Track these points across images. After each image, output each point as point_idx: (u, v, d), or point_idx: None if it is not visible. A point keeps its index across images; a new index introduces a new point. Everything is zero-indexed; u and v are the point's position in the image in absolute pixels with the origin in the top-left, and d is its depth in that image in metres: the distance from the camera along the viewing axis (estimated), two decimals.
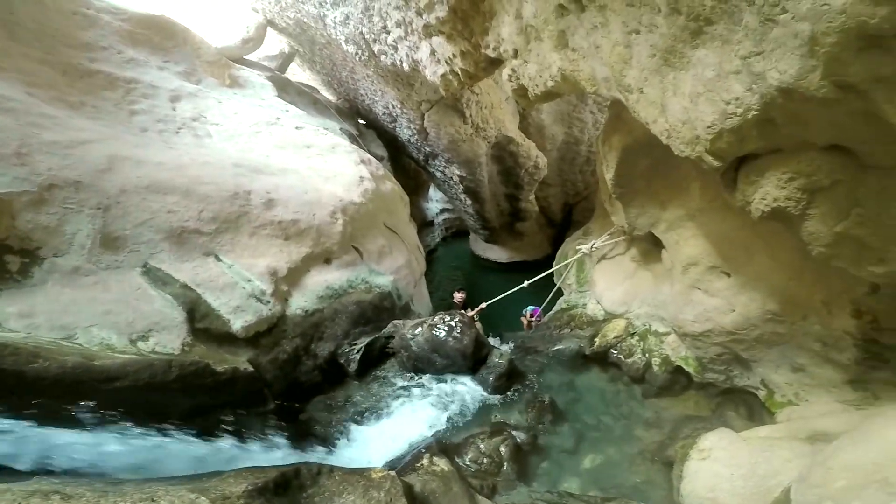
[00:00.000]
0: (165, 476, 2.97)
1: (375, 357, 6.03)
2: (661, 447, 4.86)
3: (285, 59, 11.48)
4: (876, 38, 2.10)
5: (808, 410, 4.59)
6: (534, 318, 8.36)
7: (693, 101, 3.05)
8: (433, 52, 6.28)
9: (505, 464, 4.64)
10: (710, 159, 3.25)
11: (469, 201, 11.88)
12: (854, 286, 3.76)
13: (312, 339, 5.45)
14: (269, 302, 5.02)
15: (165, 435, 3.65)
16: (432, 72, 6.51)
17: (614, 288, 6.97)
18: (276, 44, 11.32)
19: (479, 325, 7.54)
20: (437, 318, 5.92)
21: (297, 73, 12.93)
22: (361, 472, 3.30)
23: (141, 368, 3.59)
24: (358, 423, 5.22)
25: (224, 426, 4.09)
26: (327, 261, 6.01)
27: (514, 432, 5.04)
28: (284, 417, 4.96)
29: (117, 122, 5.76)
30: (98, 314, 3.86)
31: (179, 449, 3.66)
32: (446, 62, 6.18)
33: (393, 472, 3.39)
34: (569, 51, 4.27)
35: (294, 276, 5.52)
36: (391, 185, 8.24)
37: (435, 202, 15.44)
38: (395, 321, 6.14)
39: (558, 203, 13.65)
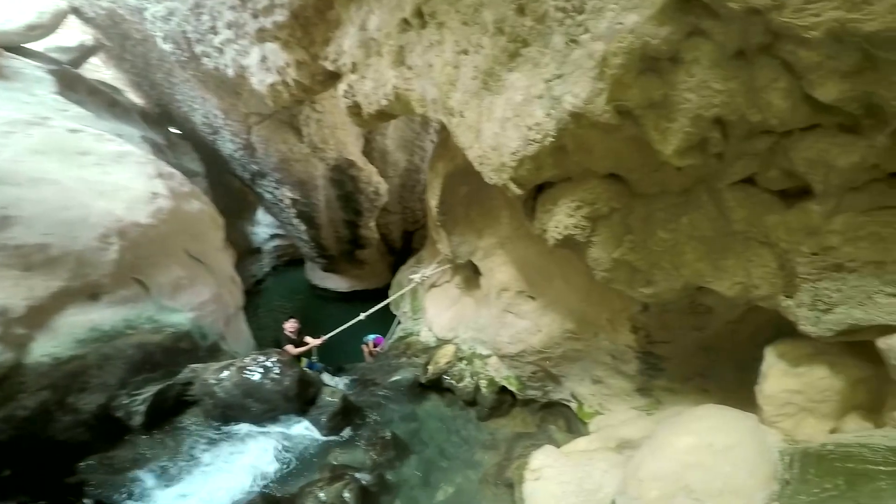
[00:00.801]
0: None
1: (170, 407, 5.03)
2: (500, 469, 4.83)
3: (84, 53, 9.60)
4: (653, 61, 2.22)
5: (612, 419, 4.95)
6: (377, 348, 7.95)
7: (503, 126, 3.09)
8: (264, 59, 5.64)
9: None
10: (513, 187, 3.31)
11: (303, 227, 10.99)
12: (629, 305, 4.15)
13: (69, 390, 4.38)
14: None
15: None
16: (260, 80, 5.83)
17: (443, 314, 6.97)
18: (76, 35, 9.38)
19: (315, 358, 6.90)
20: (248, 360, 5.14)
21: (101, 71, 10.83)
22: None
23: None
24: (158, 481, 4.34)
25: None
26: (93, 296, 4.80)
27: (357, 474, 4.57)
28: (40, 484, 3.98)
29: None
30: None
31: None
32: (278, 71, 5.59)
33: None
34: (404, 68, 4.15)
35: (38, 315, 4.31)
36: (199, 206, 7.00)
37: (264, 227, 13.70)
38: (195, 365, 5.15)
39: (398, 230, 13.50)
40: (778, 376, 3.14)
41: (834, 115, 2.10)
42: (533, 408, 5.78)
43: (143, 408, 4.67)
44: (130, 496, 4.17)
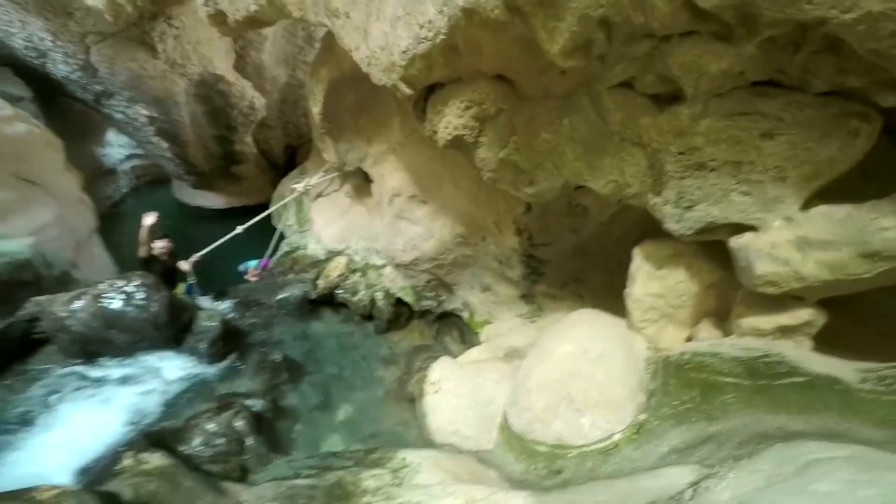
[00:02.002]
0: None
1: (15, 348, 4.23)
2: (401, 384, 4.76)
3: None
4: None
5: (500, 327, 5.10)
6: (264, 271, 7.34)
7: (393, 25, 2.92)
8: None
9: (247, 438, 3.75)
10: (403, 87, 3.17)
11: (165, 144, 9.76)
12: (514, 207, 4.24)
13: None
14: None
15: None
16: None
17: (332, 225, 6.62)
18: None
19: (192, 279, 6.12)
20: (104, 286, 4.39)
21: None
22: (23, 494, 2.22)
23: None
24: (9, 434, 3.65)
25: None
26: None
27: (247, 402, 4.16)
28: None
29: None
30: None
31: None
32: None
33: (75, 487, 2.35)
34: None
35: None
36: (25, 127, 5.83)
37: (117, 147, 11.87)
38: (38, 298, 4.34)
39: (280, 145, 12.52)
40: (644, 279, 3.23)
41: (711, 23, 2.13)
42: (429, 319, 5.80)
43: None
44: None
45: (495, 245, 4.73)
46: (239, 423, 3.83)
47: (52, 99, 9.37)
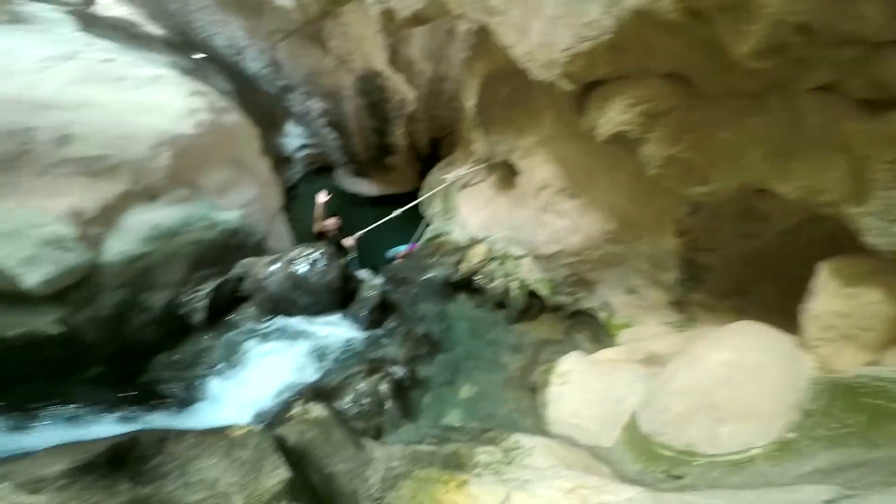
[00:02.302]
0: None
1: (225, 303, 5.18)
2: (524, 373, 4.86)
3: None
4: None
5: (642, 332, 4.85)
6: (410, 254, 8.03)
7: (552, 23, 2.99)
8: None
9: (387, 402, 4.23)
10: (563, 83, 3.23)
11: (333, 135, 10.96)
12: (678, 206, 3.97)
13: (141, 288, 4.51)
14: (74, 249, 3.98)
15: None
16: None
17: (476, 214, 6.86)
18: None
19: (354, 255, 6.89)
20: (295, 252, 5.21)
21: (111, 8, 10.31)
22: (220, 432, 2.74)
23: None
24: (216, 377, 4.52)
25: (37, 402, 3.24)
26: (152, 198, 4.91)
27: (392, 368, 4.65)
28: (119, 383, 4.14)
29: None
30: None
31: None
32: None
33: (258, 427, 2.87)
34: None
35: (108, 215, 4.45)
36: (236, 117, 7.04)
37: (294, 137, 13.81)
38: (246, 260, 5.32)
39: (426, 137, 13.21)
40: (828, 296, 2.90)
41: None
42: (560, 315, 5.73)
43: (203, 303, 4.84)
44: (195, 392, 4.38)
45: (650, 245, 4.49)
46: (383, 387, 4.33)
47: (247, 94, 11.04)
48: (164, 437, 2.52)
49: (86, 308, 4.01)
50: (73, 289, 3.94)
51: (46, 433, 3.35)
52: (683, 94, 2.98)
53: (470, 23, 4.20)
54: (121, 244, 4.43)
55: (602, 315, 5.35)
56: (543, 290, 5.71)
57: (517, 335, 5.58)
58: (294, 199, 12.47)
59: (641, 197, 4.30)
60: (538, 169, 5.32)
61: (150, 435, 2.48)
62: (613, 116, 3.23)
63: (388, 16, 4.87)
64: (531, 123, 5.42)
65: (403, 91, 10.58)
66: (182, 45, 10.04)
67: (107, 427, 3.47)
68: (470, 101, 5.75)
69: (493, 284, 6.04)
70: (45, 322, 3.63)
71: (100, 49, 6.33)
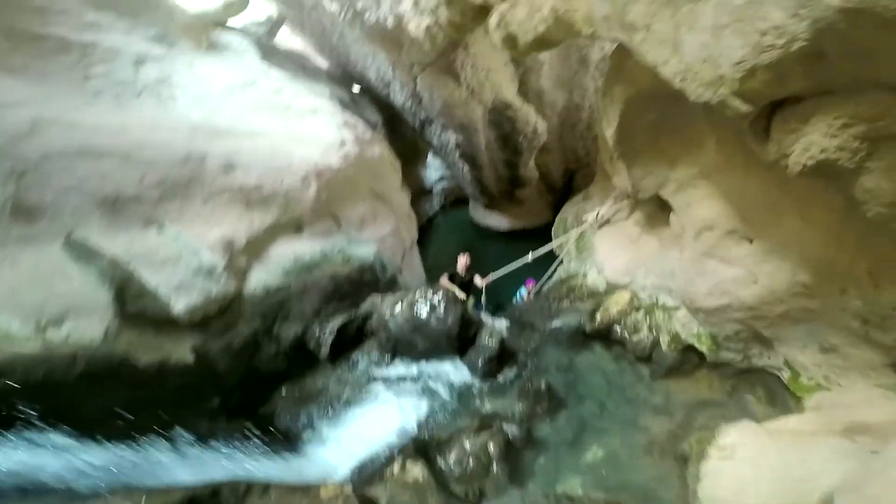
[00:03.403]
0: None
1: (351, 338, 5.20)
2: (672, 439, 4.11)
3: (274, 25, 10.28)
4: None
5: (843, 397, 3.78)
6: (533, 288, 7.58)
7: (716, 34, 2.39)
8: (416, 3, 5.45)
9: (493, 464, 3.85)
10: (737, 103, 2.53)
11: (466, 168, 10.97)
12: None
13: (276, 319, 4.67)
14: (221, 278, 4.23)
15: (81, 439, 2.91)
16: (416, 25, 5.66)
17: (617, 256, 6.04)
18: (264, 9, 10.07)
19: (483, 298, 6.85)
20: (417, 294, 5.07)
21: (289, 40, 11.83)
22: (308, 490, 2.57)
23: (34, 363, 2.83)
24: (328, 417, 4.48)
25: (157, 428, 3.31)
26: (298, 229, 5.20)
27: (505, 425, 4.25)
28: (240, 412, 4.25)
29: (67, 86, 4.93)
30: (1, 296, 3.09)
31: (98, 456, 2.91)
32: (430, 12, 5.38)
33: (348, 487, 2.63)
34: None
35: (256, 246, 4.74)
36: (380, 150, 7.37)
37: (433, 170, 14.31)
38: (374, 297, 5.32)
39: (559, 169, 12.62)
40: None
41: None
42: (725, 372, 4.70)
43: (329, 338, 4.86)
44: (308, 430, 4.33)
45: (862, 301, 3.36)
46: (492, 447, 3.93)
47: (394, 126, 11.65)
48: (248, 490, 2.38)
49: (222, 337, 4.17)
50: (214, 318, 4.08)
51: (147, 462, 3.22)
52: None
53: (605, 42, 3.60)
54: (264, 275, 4.67)
55: (784, 374, 4.29)
56: (703, 346, 4.72)
57: (664, 394, 4.78)
58: (431, 231, 12.91)
59: (851, 241, 3.26)
60: (698, 206, 4.40)
61: (234, 486, 2.36)
62: (816, 141, 2.46)
63: (510, 42, 4.50)
64: (688, 151, 4.55)
65: (534, 122, 10.18)
66: (342, 77, 10.95)
67: (208, 461, 3.34)
68: (609, 129, 5.04)
69: (637, 336, 5.22)
70: (183, 350, 3.79)
71: (274, 79, 7.17)
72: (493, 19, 4.51)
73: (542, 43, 4.20)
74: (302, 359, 4.90)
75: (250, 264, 4.62)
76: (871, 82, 2.19)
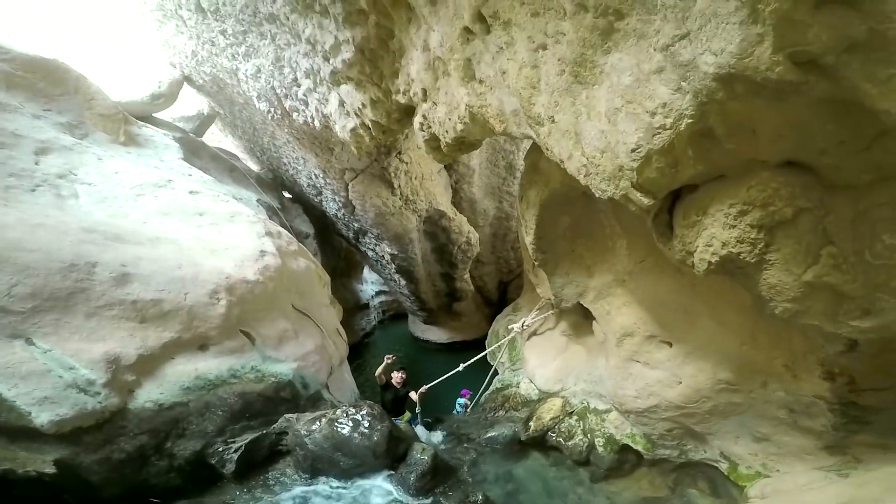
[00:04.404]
0: None
1: (264, 457, 4.60)
2: None
3: (204, 121, 10.18)
4: None
5: (785, 482, 3.69)
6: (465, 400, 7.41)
7: (611, 119, 2.33)
8: (342, 104, 5.54)
9: None
10: (637, 196, 2.46)
11: (403, 282, 10.81)
12: (824, 346, 2.91)
13: (168, 436, 4.10)
14: (98, 393, 3.73)
15: None
16: (342, 126, 5.74)
17: (547, 365, 6.03)
18: (195, 104, 10.03)
19: (419, 413, 6.62)
20: (339, 412, 4.61)
21: (219, 137, 11.65)
22: None
23: None
24: None
25: None
26: (202, 347, 4.66)
27: None
28: None
29: None
30: None
31: None
32: (356, 113, 5.44)
33: None
34: (476, 83, 3.61)
35: (147, 363, 4.17)
36: (305, 263, 6.98)
37: (370, 284, 14.18)
38: (289, 415, 4.74)
39: (493, 281, 12.87)
40: None
41: None
42: (664, 468, 4.60)
43: (235, 456, 4.31)
44: None
45: (784, 391, 3.41)
46: None
47: (327, 237, 11.43)
48: None
49: (98, 451, 3.70)
50: (88, 431, 3.68)
51: None
52: (813, 188, 2.14)
53: (516, 139, 3.80)
54: (155, 392, 4.10)
55: (723, 465, 4.16)
56: (639, 445, 4.61)
57: (606, 496, 4.65)
58: (369, 346, 12.41)
59: (763, 338, 3.36)
60: (617, 313, 4.51)
61: None
62: (717, 234, 2.38)
63: (432, 144, 4.63)
64: (603, 257, 4.77)
65: (467, 232, 10.40)
66: (274, 183, 10.87)
67: None
68: (528, 236, 5.14)
69: (572, 441, 5.06)
70: (42, 461, 3.35)
71: (195, 181, 6.77)
72: (417, 121, 4.65)
73: (462, 143, 4.29)
74: (204, 476, 4.25)
75: (140, 381, 4.04)
76: (758, 162, 2.17)
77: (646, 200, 2.46)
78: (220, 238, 5.74)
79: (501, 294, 13.06)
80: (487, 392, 7.17)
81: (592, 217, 4.58)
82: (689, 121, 1.98)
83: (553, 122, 2.81)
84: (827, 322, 2.36)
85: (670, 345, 4.01)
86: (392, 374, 6.61)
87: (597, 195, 2.72)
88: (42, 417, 3.42)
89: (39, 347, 3.65)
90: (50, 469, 3.35)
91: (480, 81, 3.52)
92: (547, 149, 3.05)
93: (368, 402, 4.88)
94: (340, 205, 9.39)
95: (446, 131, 4.24)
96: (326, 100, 5.77)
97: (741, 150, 2.11)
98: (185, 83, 8.72)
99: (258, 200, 8.22)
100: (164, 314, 4.46)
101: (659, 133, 2.09)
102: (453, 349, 11.62)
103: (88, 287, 4.10)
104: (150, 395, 4.05)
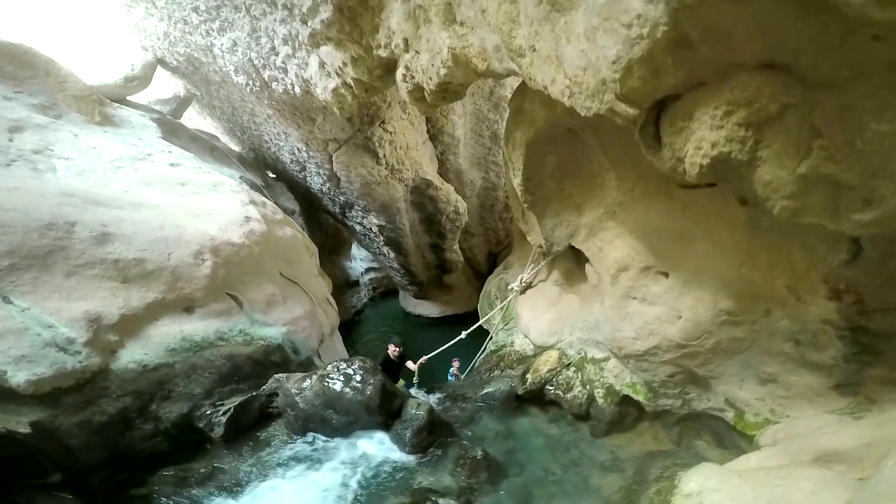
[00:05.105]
0: None
1: (254, 419, 4.49)
2: (629, 495, 3.73)
3: (181, 104, 9.87)
4: None
5: (797, 428, 3.56)
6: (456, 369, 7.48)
7: (590, 38, 2.35)
8: (322, 65, 5.36)
9: None
10: (623, 108, 2.46)
11: (392, 254, 10.67)
12: (826, 256, 2.81)
13: (153, 398, 3.98)
14: (79, 352, 3.61)
15: None
16: (323, 87, 5.54)
17: (540, 317, 5.93)
18: (171, 87, 9.75)
19: (416, 381, 6.73)
20: (329, 367, 4.48)
21: (197, 121, 11.32)
22: None
23: None
24: (232, 498, 3.77)
25: None
26: (188, 309, 4.53)
27: (440, 500, 3.75)
28: (107, 492, 3.59)
29: None
30: None
31: None
32: (337, 73, 5.26)
33: None
34: (457, 26, 3.57)
35: (131, 324, 4.04)
36: (292, 232, 6.89)
37: (359, 261, 14.02)
38: (279, 375, 4.63)
39: (483, 252, 12.79)
40: None
41: None
42: (667, 421, 4.51)
43: (224, 419, 4.20)
44: None
45: (789, 320, 3.29)
46: None
47: (313, 214, 11.29)
48: None
49: (78, 413, 3.58)
50: (68, 392, 3.57)
51: None
52: (792, 87, 2.09)
53: (501, 75, 3.70)
54: (139, 353, 3.98)
55: (728, 415, 4.05)
56: (640, 395, 4.52)
57: (610, 451, 4.54)
58: (360, 323, 12.33)
59: (765, 256, 3.23)
60: (610, 248, 4.40)
61: None
62: (705, 136, 2.32)
63: (416, 94, 4.51)
64: (592, 193, 4.65)
65: (455, 201, 10.26)
66: (256, 162, 10.62)
67: None
68: (516, 179, 5.02)
69: (570, 394, 4.96)
70: (17, 421, 3.21)
71: (174, 156, 6.64)
72: (399, 73, 4.56)
73: (446, 89, 4.22)
74: (191, 441, 4.14)
75: (122, 341, 3.92)
76: (737, 66, 2.14)
77: (631, 111, 2.46)
78: (203, 205, 5.64)
79: (491, 265, 12.98)
80: (482, 356, 7.09)
81: (579, 154, 4.47)
82: (664, 28, 1.99)
83: (534, 51, 2.87)
84: (828, 218, 2.25)
85: (667, 275, 3.91)
86: (388, 348, 6.65)
87: (582, 114, 2.72)
88: (18, 377, 3.30)
89: (17, 306, 3.54)
90: (23, 429, 3.24)
91: (461, 24, 3.50)
92: (530, 78, 3.07)
93: (360, 356, 4.76)
94: (325, 178, 9.16)
95: (430, 78, 4.15)
96: (306, 63, 5.62)
97: (718, 55, 2.11)
98: (158, 66, 8.46)
99: (241, 178, 8.01)
100: (147, 274, 4.34)
101: (637, 42, 2.11)
102: (445, 323, 11.58)
103: (68, 245, 3.98)
104: (133, 355, 3.93)
